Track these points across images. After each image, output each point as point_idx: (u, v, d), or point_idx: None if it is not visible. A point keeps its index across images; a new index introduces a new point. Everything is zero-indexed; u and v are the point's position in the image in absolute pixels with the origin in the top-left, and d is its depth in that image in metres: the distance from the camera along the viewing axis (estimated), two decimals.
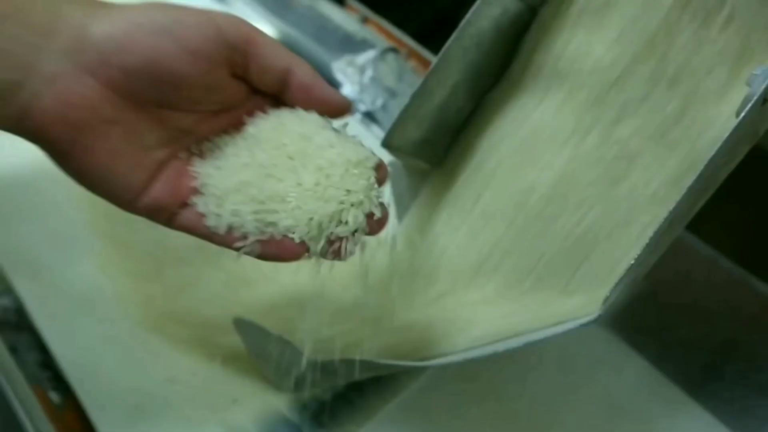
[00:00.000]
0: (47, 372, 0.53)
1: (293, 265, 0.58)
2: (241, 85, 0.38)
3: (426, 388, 0.51)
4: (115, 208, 0.60)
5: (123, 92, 0.35)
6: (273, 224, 0.36)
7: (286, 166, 0.36)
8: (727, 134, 0.35)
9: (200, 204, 0.37)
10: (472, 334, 0.45)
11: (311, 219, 0.36)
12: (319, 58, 0.72)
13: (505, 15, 0.47)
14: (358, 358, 0.43)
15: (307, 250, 0.36)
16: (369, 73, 0.68)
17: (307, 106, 0.38)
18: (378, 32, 0.72)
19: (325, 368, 0.44)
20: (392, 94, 0.67)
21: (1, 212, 0.61)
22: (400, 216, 0.55)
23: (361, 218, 0.36)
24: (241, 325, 0.49)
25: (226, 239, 0.37)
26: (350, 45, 0.71)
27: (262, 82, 0.37)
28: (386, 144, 0.49)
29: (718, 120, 0.41)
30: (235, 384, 0.52)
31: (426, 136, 0.49)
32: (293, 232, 0.36)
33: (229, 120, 0.38)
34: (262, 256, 0.37)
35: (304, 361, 0.44)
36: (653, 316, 0.52)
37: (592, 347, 0.53)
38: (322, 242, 0.36)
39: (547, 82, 0.48)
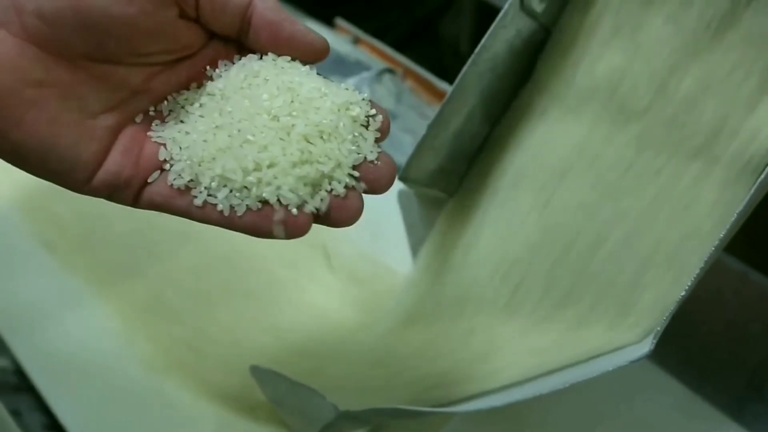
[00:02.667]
0: None
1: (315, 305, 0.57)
2: (194, 28, 0.32)
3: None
4: (105, 253, 0.59)
5: (48, 45, 0.29)
6: (264, 200, 0.30)
7: (269, 126, 0.30)
8: None
9: (173, 176, 0.31)
10: (506, 372, 0.43)
11: (305, 184, 0.30)
12: None
13: (519, 36, 0.45)
14: (389, 406, 0.41)
15: (309, 219, 0.30)
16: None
17: (276, 49, 0.32)
18: (371, 53, 0.70)
19: (356, 417, 0.42)
20: (392, 116, 0.65)
21: None
22: (414, 247, 0.53)
23: (359, 160, 0.31)
24: (259, 373, 0.46)
25: (209, 215, 0.31)
26: (343, 67, 0.69)
27: (219, 23, 0.31)
28: (403, 177, 0.47)
29: (755, 137, 0.39)
30: None
31: (443, 166, 0.48)
32: (286, 202, 0.30)
33: (187, 73, 0.32)
34: (260, 233, 0.30)
35: (333, 412, 0.42)
36: (686, 336, 0.50)
37: (624, 371, 0.52)
38: (318, 203, 0.30)
39: (566, 102, 0.46)
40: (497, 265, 0.46)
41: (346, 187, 0.31)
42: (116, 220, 0.60)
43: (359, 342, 0.53)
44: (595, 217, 0.44)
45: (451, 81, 0.65)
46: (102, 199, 0.62)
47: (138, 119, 0.32)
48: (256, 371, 0.46)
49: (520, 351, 0.44)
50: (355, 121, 0.31)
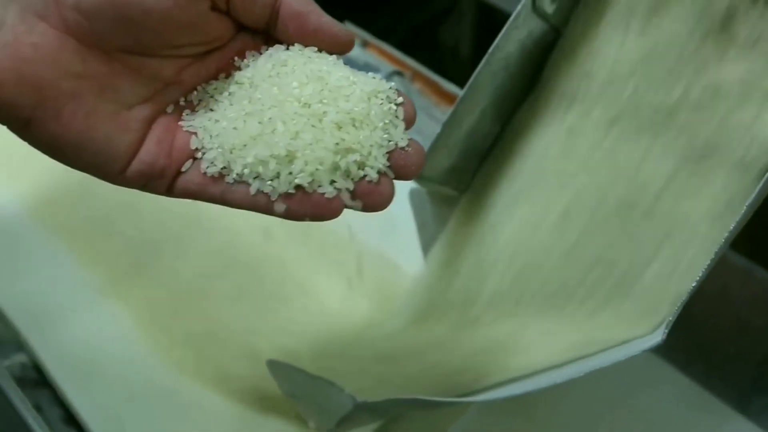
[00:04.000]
0: (71, 428, 0.51)
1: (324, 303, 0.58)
2: (224, 20, 0.32)
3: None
4: (121, 249, 0.60)
5: (86, 38, 0.30)
6: (297, 185, 0.31)
7: (300, 113, 0.31)
8: None
9: (205, 164, 0.32)
10: (520, 365, 0.44)
11: (338, 171, 0.31)
12: None
13: (530, 37, 0.46)
14: (407, 396, 0.42)
15: (342, 204, 0.31)
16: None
17: (302, 40, 0.32)
18: (379, 56, 0.72)
19: (374, 408, 0.43)
20: None
21: None
22: (426, 246, 0.54)
23: (391, 147, 0.31)
24: (276, 367, 0.47)
25: (244, 201, 0.32)
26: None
27: (249, 15, 0.32)
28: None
29: (758, 133, 0.40)
30: (271, 428, 0.51)
31: (455, 163, 0.49)
32: (322, 190, 0.31)
33: (216, 64, 0.33)
34: (294, 217, 0.31)
35: (352, 404, 0.42)
36: (693, 332, 0.51)
37: (628, 364, 0.53)
38: (351, 189, 0.31)
39: (574, 101, 0.47)
40: (511, 261, 0.48)
41: (378, 172, 0.31)
42: (132, 217, 0.61)
43: (372, 339, 0.54)
44: (606, 213, 0.45)
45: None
46: (115, 198, 0.63)
47: (169, 110, 0.33)
48: (273, 365, 0.47)
49: (534, 344, 0.45)
50: (384, 108, 0.32)
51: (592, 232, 0.45)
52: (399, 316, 0.53)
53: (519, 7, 0.44)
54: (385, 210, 0.63)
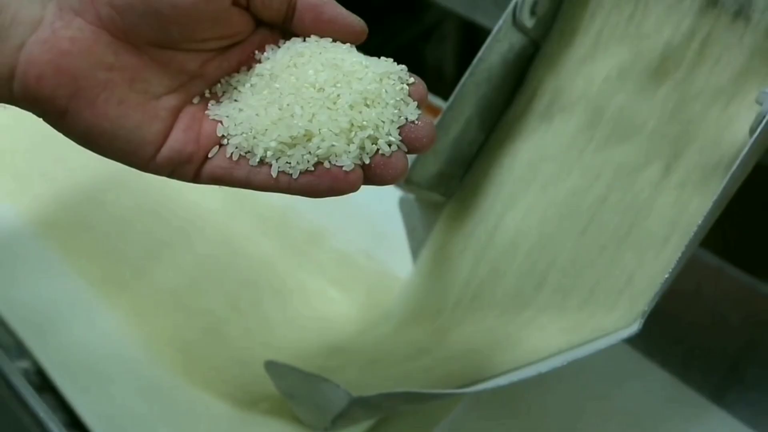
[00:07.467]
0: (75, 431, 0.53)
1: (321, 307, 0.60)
2: (244, 16, 0.35)
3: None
4: (119, 255, 0.61)
5: (119, 32, 0.32)
6: (316, 163, 0.33)
7: (315, 97, 0.33)
8: (744, 151, 0.38)
9: (231, 148, 0.34)
10: (506, 360, 0.46)
11: (353, 146, 0.33)
12: None
13: (512, 50, 0.49)
14: (400, 390, 0.44)
15: (360, 177, 0.33)
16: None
17: (319, 31, 0.35)
18: None
19: (368, 403, 0.45)
20: None
21: None
22: (415, 251, 0.56)
23: (402, 122, 0.33)
24: (274, 368, 0.49)
25: (267, 182, 0.33)
26: None
27: (267, 9, 0.35)
28: (407, 179, 0.50)
29: (724, 135, 0.43)
30: (269, 429, 0.53)
31: (442, 170, 0.51)
32: (340, 164, 0.33)
33: (238, 58, 0.35)
34: (315, 192, 0.33)
35: (347, 399, 0.44)
36: (670, 329, 0.54)
37: (610, 360, 0.55)
38: (366, 162, 0.33)
39: (552, 110, 0.50)
40: (495, 262, 0.50)
41: (391, 146, 0.33)
42: (128, 227, 0.63)
43: (364, 342, 0.56)
44: (585, 213, 0.47)
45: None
46: (112, 209, 0.65)
47: (195, 101, 0.35)
48: (271, 366, 0.49)
49: (521, 340, 0.47)
50: (396, 88, 0.34)
51: (573, 233, 0.48)
52: (390, 319, 0.56)
53: (500, 21, 0.47)
54: (376, 217, 0.65)
